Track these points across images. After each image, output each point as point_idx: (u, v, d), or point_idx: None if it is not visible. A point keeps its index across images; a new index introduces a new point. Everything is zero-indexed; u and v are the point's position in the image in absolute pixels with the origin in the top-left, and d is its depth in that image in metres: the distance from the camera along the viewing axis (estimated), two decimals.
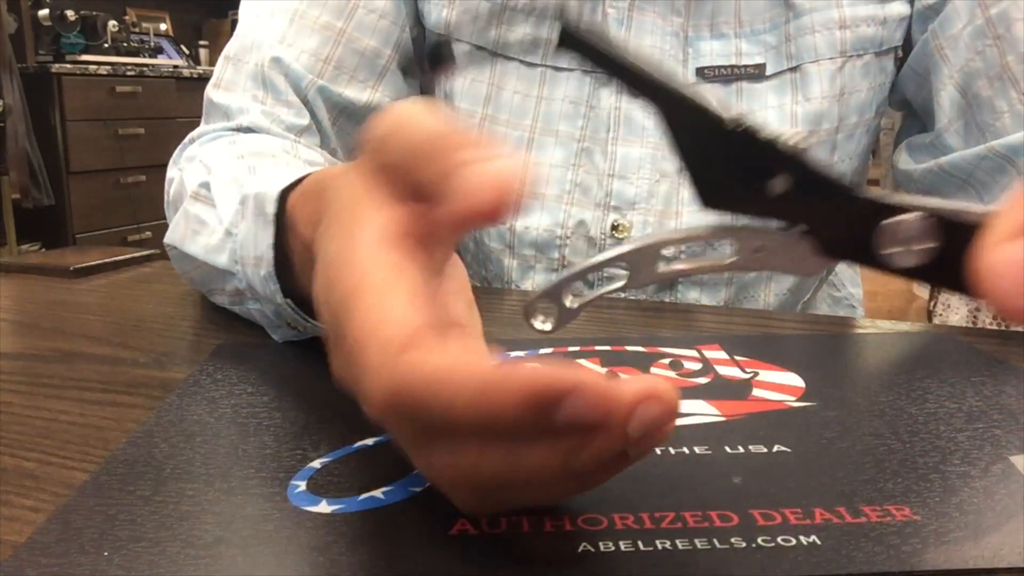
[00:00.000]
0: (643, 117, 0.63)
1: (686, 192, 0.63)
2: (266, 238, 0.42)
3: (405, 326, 0.23)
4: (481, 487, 0.25)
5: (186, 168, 0.57)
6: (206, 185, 0.51)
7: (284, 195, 0.42)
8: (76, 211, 3.26)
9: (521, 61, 0.65)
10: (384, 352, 0.23)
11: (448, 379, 0.22)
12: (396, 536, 0.27)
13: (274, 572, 0.25)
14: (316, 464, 0.32)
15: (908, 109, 0.70)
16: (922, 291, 3.44)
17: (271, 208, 0.42)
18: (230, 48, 0.66)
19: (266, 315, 0.46)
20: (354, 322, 0.24)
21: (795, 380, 0.41)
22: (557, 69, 0.64)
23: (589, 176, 0.64)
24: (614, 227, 0.64)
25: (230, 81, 0.64)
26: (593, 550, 0.26)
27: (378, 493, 0.29)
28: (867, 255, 0.17)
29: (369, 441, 0.34)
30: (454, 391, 0.22)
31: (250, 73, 0.63)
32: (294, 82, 0.63)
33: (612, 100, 0.63)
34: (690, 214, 0.63)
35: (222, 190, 0.50)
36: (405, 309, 0.24)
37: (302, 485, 0.30)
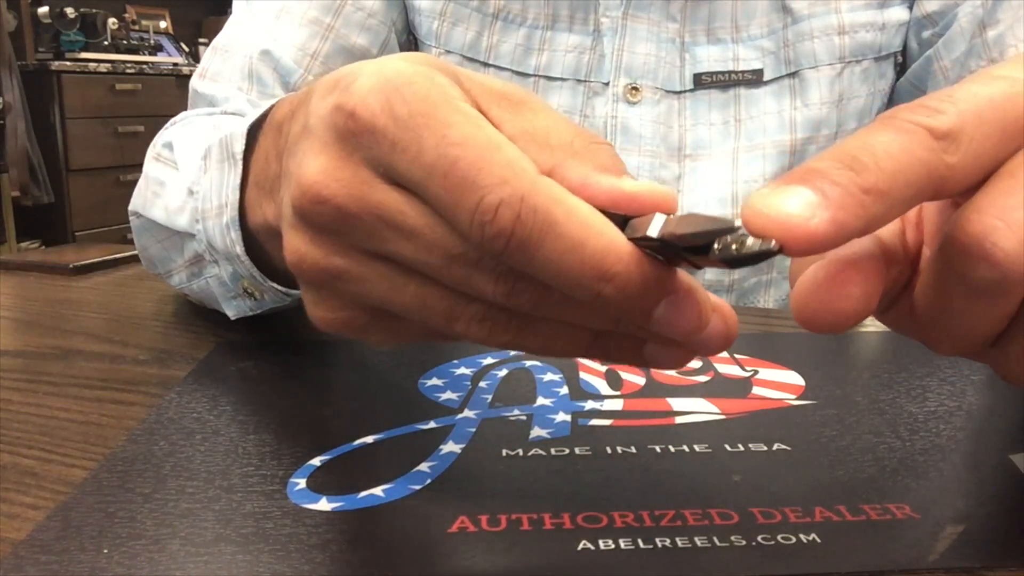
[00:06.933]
0: (639, 125, 0.63)
1: (685, 199, 0.63)
2: (232, 180, 0.38)
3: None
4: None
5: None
6: (169, 146, 0.49)
7: (255, 132, 0.37)
8: (76, 209, 3.26)
9: (513, 71, 0.65)
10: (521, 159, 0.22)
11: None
12: (396, 534, 0.27)
13: (274, 570, 0.25)
14: (316, 462, 0.32)
15: None
16: None
17: (239, 146, 0.38)
18: (219, 39, 0.66)
19: (223, 281, 0.43)
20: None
21: (795, 378, 0.41)
22: (550, 79, 0.64)
23: None
24: None
25: (216, 72, 0.64)
26: (593, 548, 0.26)
27: (378, 491, 0.29)
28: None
29: (369, 439, 0.34)
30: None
31: (237, 65, 0.63)
32: (283, 76, 0.62)
33: (607, 109, 0.63)
34: None
35: (185, 150, 0.47)
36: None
37: (302, 483, 0.30)
